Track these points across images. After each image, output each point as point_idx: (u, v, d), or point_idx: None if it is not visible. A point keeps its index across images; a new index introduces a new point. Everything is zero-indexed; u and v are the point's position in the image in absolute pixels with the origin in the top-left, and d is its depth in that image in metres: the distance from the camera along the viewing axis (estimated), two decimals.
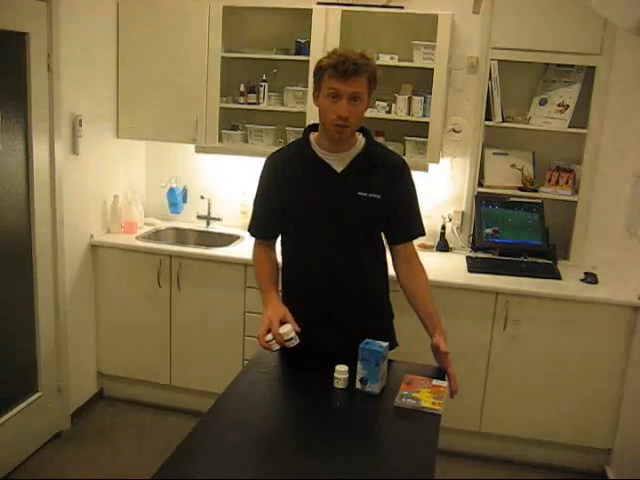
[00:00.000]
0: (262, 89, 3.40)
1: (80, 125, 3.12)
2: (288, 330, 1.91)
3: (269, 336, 1.92)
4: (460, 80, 3.37)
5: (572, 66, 3.28)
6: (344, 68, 1.92)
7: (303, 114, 3.31)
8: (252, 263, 2.27)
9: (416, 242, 2.23)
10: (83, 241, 3.32)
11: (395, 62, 3.22)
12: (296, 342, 1.92)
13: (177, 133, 3.45)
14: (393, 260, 2.22)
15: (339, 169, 2.09)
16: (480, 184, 3.45)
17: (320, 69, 2.00)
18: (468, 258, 3.34)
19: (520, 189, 3.42)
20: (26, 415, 2.98)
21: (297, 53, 3.35)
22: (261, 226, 2.22)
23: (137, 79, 3.43)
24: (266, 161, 2.20)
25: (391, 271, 2.24)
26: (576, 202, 3.36)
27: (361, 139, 2.13)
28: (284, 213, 2.14)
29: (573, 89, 3.28)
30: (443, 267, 3.21)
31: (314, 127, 2.15)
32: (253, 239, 2.28)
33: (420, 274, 2.18)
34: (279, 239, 2.24)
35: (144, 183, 3.86)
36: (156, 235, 3.64)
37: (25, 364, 3.02)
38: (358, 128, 2.09)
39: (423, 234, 2.24)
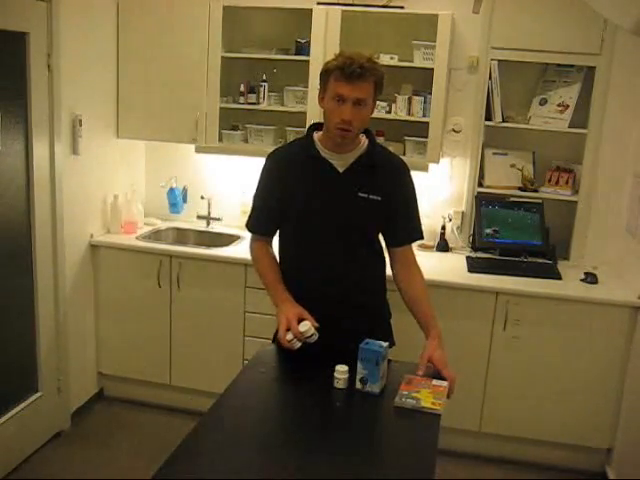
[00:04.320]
0: (262, 89, 3.40)
1: (80, 125, 3.12)
2: (308, 328, 1.94)
3: (289, 335, 1.95)
4: (460, 80, 3.37)
5: (572, 66, 3.28)
6: (350, 70, 1.92)
7: (303, 114, 3.31)
8: (252, 263, 2.28)
9: (416, 242, 2.24)
10: (83, 241, 3.32)
11: (395, 62, 3.22)
12: (316, 337, 1.96)
13: (177, 133, 3.45)
14: (391, 262, 2.23)
15: (341, 169, 2.09)
16: (480, 184, 3.45)
17: (327, 71, 2.00)
18: (468, 258, 3.34)
19: (520, 189, 3.42)
20: (26, 415, 2.98)
21: (297, 53, 3.34)
22: (261, 222, 2.22)
23: (137, 79, 3.43)
24: (268, 157, 2.20)
25: (388, 271, 2.25)
26: (576, 202, 3.36)
27: (364, 140, 2.13)
28: (284, 210, 2.14)
29: (573, 89, 3.28)
30: (443, 267, 3.21)
31: (318, 126, 2.15)
32: (250, 236, 2.28)
33: (417, 277, 2.19)
34: (276, 237, 2.24)
35: (144, 183, 3.86)
36: (156, 235, 3.64)
37: (25, 364, 3.02)
38: (362, 130, 2.09)
39: (422, 238, 2.25)
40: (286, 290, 2.12)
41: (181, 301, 3.35)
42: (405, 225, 2.19)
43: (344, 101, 1.95)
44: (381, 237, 2.24)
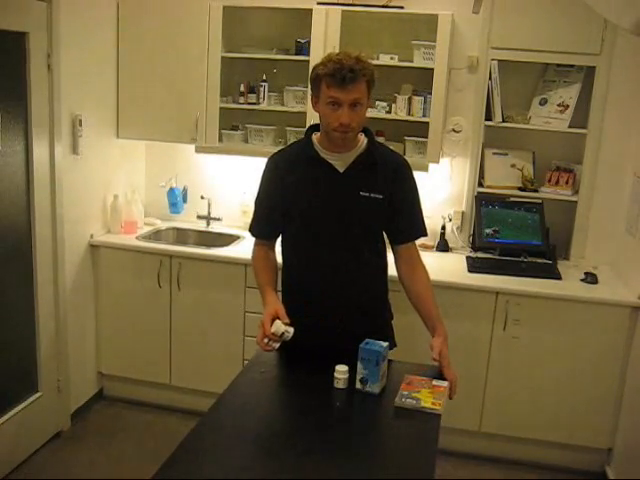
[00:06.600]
0: (262, 89, 3.40)
1: (80, 125, 3.12)
2: (277, 327, 1.91)
3: (266, 338, 1.93)
4: (460, 80, 3.37)
5: (572, 66, 3.29)
6: (341, 76, 1.91)
7: (303, 114, 3.31)
8: (252, 263, 2.28)
9: (416, 242, 2.24)
10: (83, 241, 3.32)
11: (395, 62, 3.22)
12: (290, 334, 1.91)
13: (177, 133, 3.45)
14: (395, 260, 2.22)
15: (341, 169, 2.09)
16: (480, 184, 3.45)
17: (317, 77, 1.99)
18: (468, 258, 3.34)
19: (520, 189, 3.42)
20: (26, 415, 2.98)
21: (297, 53, 3.35)
22: (262, 226, 2.22)
23: (137, 79, 3.43)
24: (268, 161, 2.20)
25: (391, 271, 2.25)
26: (576, 202, 3.36)
27: (363, 139, 2.13)
28: (286, 213, 2.14)
29: (573, 89, 3.28)
30: (443, 267, 3.21)
31: (316, 127, 2.15)
32: (253, 239, 2.28)
33: (422, 275, 2.18)
34: (279, 240, 2.24)
35: (144, 183, 3.86)
36: (156, 235, 3.64)
37: (25, 364, 3.02)
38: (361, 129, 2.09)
39: (425, 234, 2.24)
40: (272, 291, 2.08)
41: (181, 301, 3.35)
42: (408, 222, 2.19)
43: (340, 105, 1.95)
44: (384, 236, 2.23)
